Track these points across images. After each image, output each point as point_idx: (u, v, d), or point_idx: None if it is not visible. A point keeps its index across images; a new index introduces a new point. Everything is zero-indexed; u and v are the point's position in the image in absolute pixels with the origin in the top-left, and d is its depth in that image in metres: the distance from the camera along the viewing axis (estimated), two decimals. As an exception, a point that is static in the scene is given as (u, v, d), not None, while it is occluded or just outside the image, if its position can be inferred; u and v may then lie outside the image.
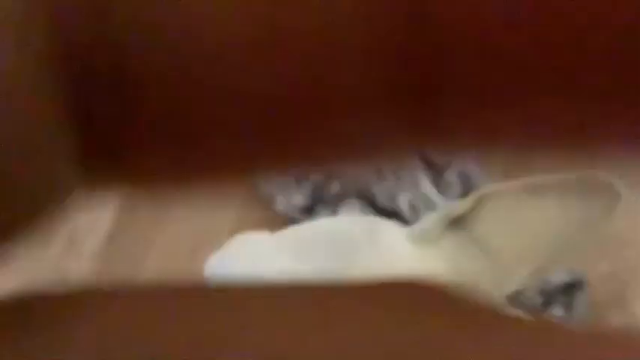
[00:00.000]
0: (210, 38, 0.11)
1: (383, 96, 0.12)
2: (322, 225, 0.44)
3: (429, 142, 0.13)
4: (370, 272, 0.40)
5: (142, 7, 0.11)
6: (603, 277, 0.73)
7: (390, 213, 0.74)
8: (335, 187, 0.84)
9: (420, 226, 0.42)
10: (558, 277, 0.57)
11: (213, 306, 0.10)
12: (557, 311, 0.60)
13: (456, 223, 0.41)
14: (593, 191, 0.37)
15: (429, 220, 0.43)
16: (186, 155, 0.14)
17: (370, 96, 0.12)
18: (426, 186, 0.70)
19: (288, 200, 0.86)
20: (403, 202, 0.76)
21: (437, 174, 0.86)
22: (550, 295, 0.62)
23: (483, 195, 0.41)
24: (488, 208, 0.41)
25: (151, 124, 0.13)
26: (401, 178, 0.83)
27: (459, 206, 0.41)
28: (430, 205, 0.69)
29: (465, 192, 0.77)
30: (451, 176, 0.84)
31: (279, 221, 0.88)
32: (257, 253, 0.45)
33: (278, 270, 0.43)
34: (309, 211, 0.85)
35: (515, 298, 0.42)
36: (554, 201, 0.39)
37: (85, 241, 0.93)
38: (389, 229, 0.45)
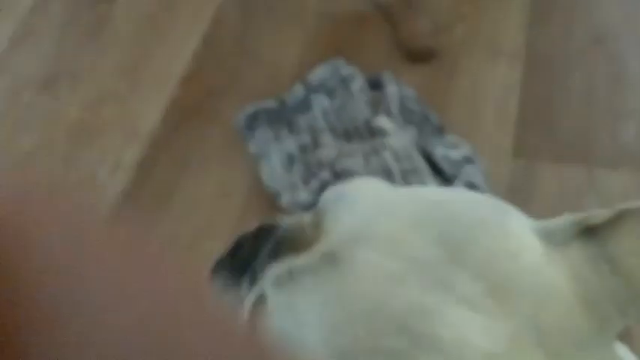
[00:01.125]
0: None
1: None
2: (448, 197, 0.39)
3: None
4: (492, 254, 0.38)
5: None
6: None
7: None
8: (343, 186, 0.82)
9: (551, 224, 0.40)
10: None
11: None
12: None
13: (589, 234, 0.40)
14: None
15: (561, 220, 0.40)
16: None
17: None
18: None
19: (293, 197, 0.84)
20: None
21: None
22: None
23: (625, 211, 0.38)
24: (628, 227, 0.38)
25: None
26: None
27: (597, 215, 0.38)
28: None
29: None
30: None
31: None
32: (374, 202, 0.41)
33: (386, 232, 0.39)
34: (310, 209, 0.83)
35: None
36: None
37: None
38: (517, 215, 0.42)
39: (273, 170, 0.88)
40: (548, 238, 0.41)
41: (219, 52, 1.07)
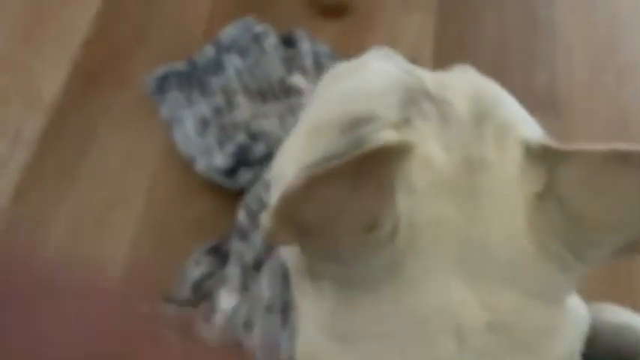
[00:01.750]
0: None
1: None
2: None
3: None
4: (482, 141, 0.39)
5: None
6: None
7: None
8: (260, 148, 0.79)
9: (536, 142, 0.39)
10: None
11: None
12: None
13: (548, 167, 0.38)
14: None
15: (542, 141, 0.39)
16: None
17: None
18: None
19: (209, 161, 0.81)
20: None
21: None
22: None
23: (568, 152, 0.38)
24: (576, 170, 0.37)
25: None
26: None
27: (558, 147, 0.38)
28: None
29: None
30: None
31: (198, 183, 0.83)
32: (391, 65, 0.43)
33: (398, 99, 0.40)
34: (231, 174, 0.80)
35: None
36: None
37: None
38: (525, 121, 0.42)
39: (187, 135, 0.84)
40: (529, 152, 0.40)
41: (123, 11, 1.02)
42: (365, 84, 0.43)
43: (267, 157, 0.78)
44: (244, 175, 0.79)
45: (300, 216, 0.34)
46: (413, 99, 0.41)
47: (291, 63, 0.87)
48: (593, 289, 0.46)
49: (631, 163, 0.35)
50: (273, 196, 0.46)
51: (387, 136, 0.38)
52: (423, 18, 1.00)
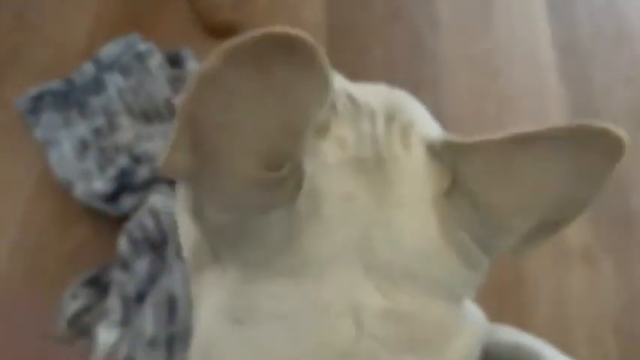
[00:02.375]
0: None
1: None
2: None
3: None
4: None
5: None
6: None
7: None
8: (143, 172, 0.75)
9: (437, 139, 0.40)
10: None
11: None
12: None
13: (450, 156, 0.39)
14: (589, 140, 0.35)
15: (442, 137, 0.40)
16: None
17: None
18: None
19: (87, 186, 0.76)
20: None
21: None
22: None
23: (467, 145, 0.38)
24: (477, 161, 0.37)
25: None
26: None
27: (458, 140, 0.38)
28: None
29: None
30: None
31: (75, 210, 0.77)
32: None
33: None
34: (112, 199, 0.75)
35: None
36: (546, 152, 0.35)
37: None
38: (425, 122, 0.43)
39: (64, 158, 0.79)
40: (432, 150, 0.40)
41: (-5, 27, 0.95)
42: None
43: (152, 182, 0.74)
44: (127, 201, 0.75)
45: (203, 115, 0.32)
46: (335, 92, 0.41)
47: (178, 83, 0.84)
48: (484, 310, 0.45)
49: (531, 145, 0.36)
50: None
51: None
52: (312, 37, 0.99)
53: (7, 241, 0.76)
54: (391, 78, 0.97)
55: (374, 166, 0.39)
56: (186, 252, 0.42)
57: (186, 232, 0.42)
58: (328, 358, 0.36)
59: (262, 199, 0.35)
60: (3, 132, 0.86)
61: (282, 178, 0.34)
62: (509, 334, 0.61)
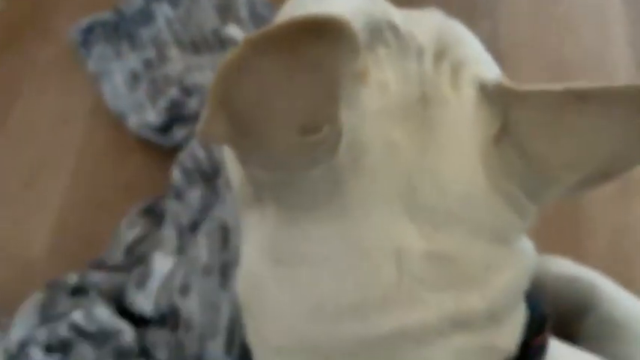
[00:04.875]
0: None
1: None
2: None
3: None
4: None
5: None
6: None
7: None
8: (194, 103, 0.75)
9: (494, 82, 0.38)
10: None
11: None
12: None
13: (501, 104, 0.37)
14: None
15: (499, 80, 0.38)
16: None
17: None
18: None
19: (140, 118, 0.76)
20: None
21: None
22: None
23: (523, 93, 0.37)
24: (531, 110, 0.36)
25: None
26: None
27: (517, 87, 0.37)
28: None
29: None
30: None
31: (130, 141, 0.78)
32: None
33: None
34: (165, 130, 0.76)
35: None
36: (602, 110, 0.34)
37: None
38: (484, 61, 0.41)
39: (116, 90, 0.79)
40: (484, 92, 0.39)
41: (44, -41, 0.95)
42: (328, 8, 0.40)
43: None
44: (178, 132, 0.75)
45: (237, 98, 0.31)
46: (376, 27, 0.39)
47: (226, 13, 0.83)
48: (540, 241, 0.45)
49: (587, 102, 0.34)
50: None
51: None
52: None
53: (64, 173, 0.78)
54: (445, 2, 0.94)
55: (419, 110, 0.37)
56: (233, 187, 0.43)
57: (233, 169, 0.42)
58: (370, 298, 0.36)
59: (303, 159, 0.35)
60: (56, 64, 0.87)
61: (321, 138, 0.33)
62: (565, 266, 0.61)
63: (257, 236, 0.40)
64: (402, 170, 0.37)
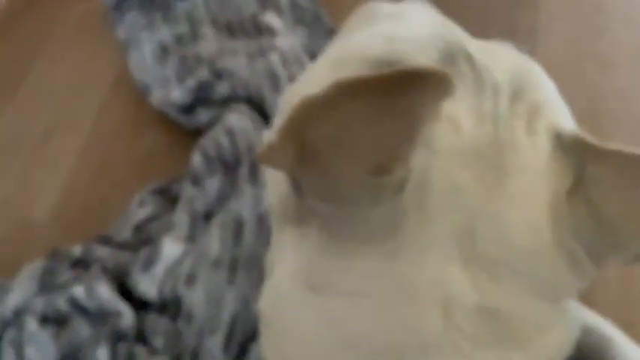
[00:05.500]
0: None
1: None
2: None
3: None
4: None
5: None
6: None
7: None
8: (223, 88, 0.73)
9: (568, 131, 0.36)
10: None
11: None
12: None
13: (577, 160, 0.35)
14: None
15: (573, 131, 0.36)
16: None
17: None
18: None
19: (165, 94, 0.74)
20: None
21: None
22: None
23: (617, 153, 0.34)
24: (609, 170, 0.34)
25: None
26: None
27: (593, 142, 0.34)
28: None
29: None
30: None
31: (150, 116, 0.76)
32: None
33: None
34: (188, 110, 0.74)
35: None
36: None
37: None
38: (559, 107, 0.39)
39: (144, 61, 0.77)
40: (560, 142, 0.36)
41: None
42: (406, 30, 0.38)
43: (230, 99, 0.72)
44: (202, 114, 0.73)
45: (312, 133, 0.30)
46: (452, 57, 0.37)
47: (266, 0, 0.81)
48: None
49: None
50: (277, 124, 0.42)
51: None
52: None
53: (78, 139, 0.76)
54: (485, 26, 0.92)
55: (490, 153, 0.35)
56: (271, 197, 0.41)
57: (274, 181, 0.40)
58: (409, 343, 0.34)
59: (368, 196, 0.33)
60: (85, 25, 0.84)
61: (392, 179, 0.32)
62: (582, 314, 0.59)
63: (293, 257, 0.37)
64: (464, 214, 0.34)
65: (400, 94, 0.28)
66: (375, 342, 0.35)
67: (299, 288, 0.36)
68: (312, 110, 0.29)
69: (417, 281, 0.34)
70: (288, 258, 0.38)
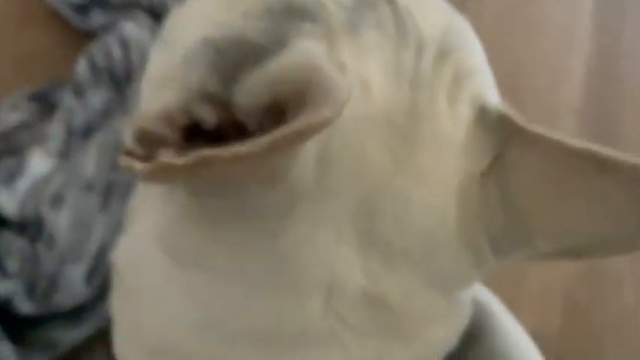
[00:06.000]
0: None
1: None
2: None
3: None
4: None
5: None
6: None
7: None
8: (123, -8, 0.65)
9: (493, 107, 0.31)
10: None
11: None
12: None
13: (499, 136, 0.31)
14: None
15: (499, 107, 0.32)
16: None
17: None
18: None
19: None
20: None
21: None
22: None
23: (530, 134, 0.30)
24: (534, 157, 0.30)
25: None
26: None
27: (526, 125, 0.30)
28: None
29: None
30: None
31: (39, 10, 0.68)
32: None
33: None
34: (83, 10, 0.66)
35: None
36: (617, 185, 0.28)
37: None
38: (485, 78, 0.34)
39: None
40: (482, 117, 0.32)
41: None
42: None
43: (128, 5, 0.65)
44: (97, 16, 0.65)
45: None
46: (372, 1, 0.31)
47: None
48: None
49: (606, 171, 0.29)
50: (148, 83, 0.35)
51: (309, 56, 0.28)
52: None
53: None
54: None
55: (404, 119, 0.30)
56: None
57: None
58: (283, 329, 0.30)
59: (259, 187, 0.29)
60: None
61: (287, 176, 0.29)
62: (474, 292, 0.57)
63: (158, 213, 0.32)
64: (367, 190, 0.30)
65: (279, 150, 0.25)
66: (243, 326, 0.31)
67: (159, 253, 0.32)
68: (175, 175, 0.26)
69: (301, 262, 0.30)
70: (153, 213, 0.32)
